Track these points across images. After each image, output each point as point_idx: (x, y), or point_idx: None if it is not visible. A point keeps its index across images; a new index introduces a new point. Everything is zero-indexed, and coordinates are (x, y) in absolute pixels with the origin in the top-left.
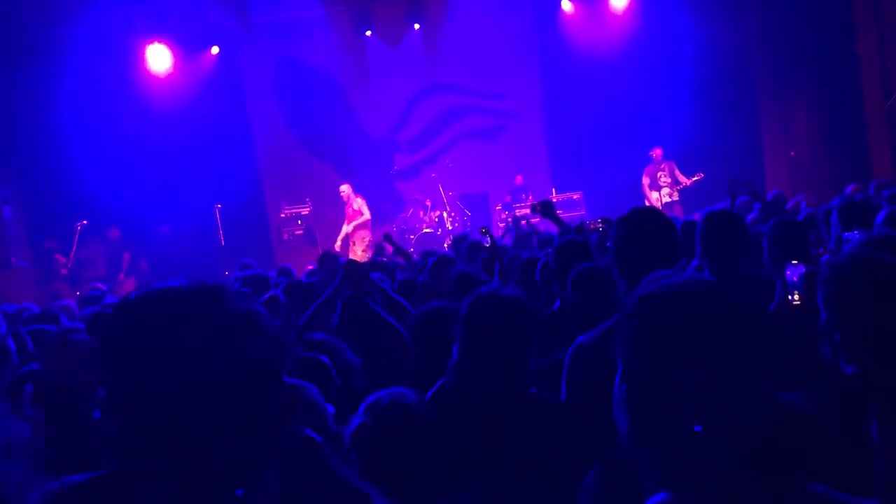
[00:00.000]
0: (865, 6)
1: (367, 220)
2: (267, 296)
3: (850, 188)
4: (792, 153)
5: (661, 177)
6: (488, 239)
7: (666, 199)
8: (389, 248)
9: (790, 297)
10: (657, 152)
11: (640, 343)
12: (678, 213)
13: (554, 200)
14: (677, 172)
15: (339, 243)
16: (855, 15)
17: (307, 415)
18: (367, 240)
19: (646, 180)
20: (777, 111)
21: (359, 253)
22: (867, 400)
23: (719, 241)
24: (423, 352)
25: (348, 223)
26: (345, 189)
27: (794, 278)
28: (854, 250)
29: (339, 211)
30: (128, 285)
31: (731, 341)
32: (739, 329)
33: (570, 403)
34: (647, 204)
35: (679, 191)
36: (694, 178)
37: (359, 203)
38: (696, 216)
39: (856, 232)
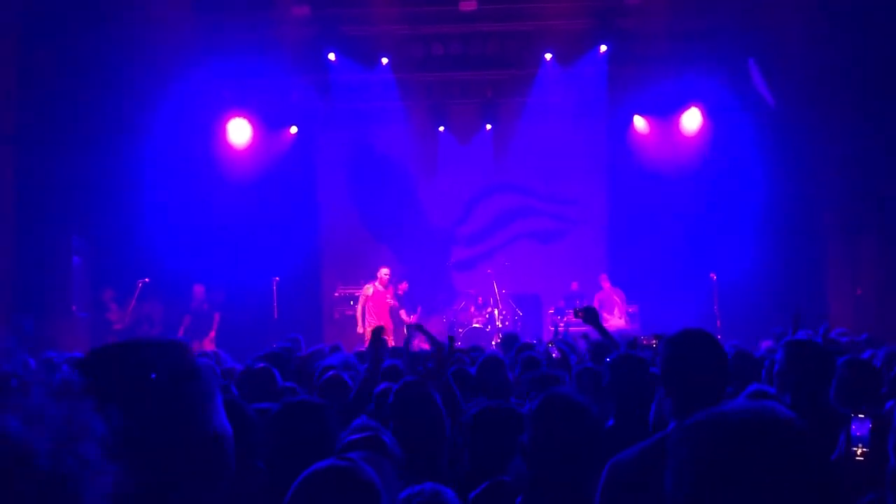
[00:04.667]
0: None
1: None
2: (329, 374)
3: None
4: (858, 291)
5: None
6: (556, 350)
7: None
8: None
9: (853, 451)
10: (603, 278)
11: (687, 476)
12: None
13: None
14: (618, 300)
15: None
16: None
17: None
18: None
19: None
20: (844, 247)
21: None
22: None
23: (805, 372)
24: (477, 449)
25: (383, 309)
26: (387, 272)
27: (859, 433)
28: None
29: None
30: (207, 345)
31: (793, 483)
32: (803, 469)
33: None
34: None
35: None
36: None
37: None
38: (765, 345)
39: None
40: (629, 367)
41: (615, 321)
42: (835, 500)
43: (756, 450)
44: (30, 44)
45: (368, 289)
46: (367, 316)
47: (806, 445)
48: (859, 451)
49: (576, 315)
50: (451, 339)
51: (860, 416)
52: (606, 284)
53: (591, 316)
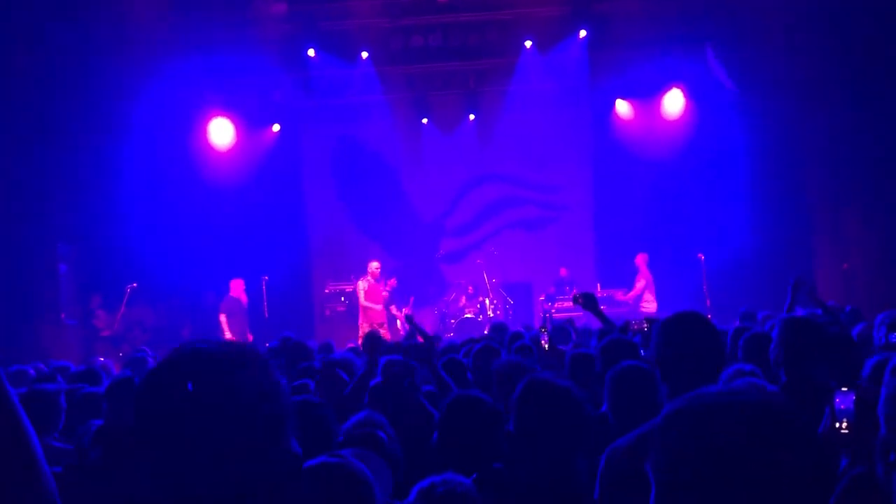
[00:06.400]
0: None
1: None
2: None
3: None
4: (845, 265)
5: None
6: (546, 336)
7: (648, 307)
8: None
9: (838, 426)
10: (643, 259)
11: (675, 463)
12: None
13: (598, 296)
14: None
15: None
16: None
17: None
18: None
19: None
20: (829, 223)
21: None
22: None
23: (799, 350)
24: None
25: (379, 303)
26: (377, 266)
27: (843, 406)
28: None
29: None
30: None
31: (783, 466)
32: (794, 453)
33: None
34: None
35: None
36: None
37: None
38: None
39: None
40: (618, 352)
41: (654, 305)
42: (825, 480)
43: (745, 433)
44: (6, 44)
45: (363, 284)
46: (364, 311)
47: (794, 425)
48: (844, 426)
49: (575, 302)
50: (409, 318)
51: (843, 388)
52: (644, 267)
53: (590, 302)
